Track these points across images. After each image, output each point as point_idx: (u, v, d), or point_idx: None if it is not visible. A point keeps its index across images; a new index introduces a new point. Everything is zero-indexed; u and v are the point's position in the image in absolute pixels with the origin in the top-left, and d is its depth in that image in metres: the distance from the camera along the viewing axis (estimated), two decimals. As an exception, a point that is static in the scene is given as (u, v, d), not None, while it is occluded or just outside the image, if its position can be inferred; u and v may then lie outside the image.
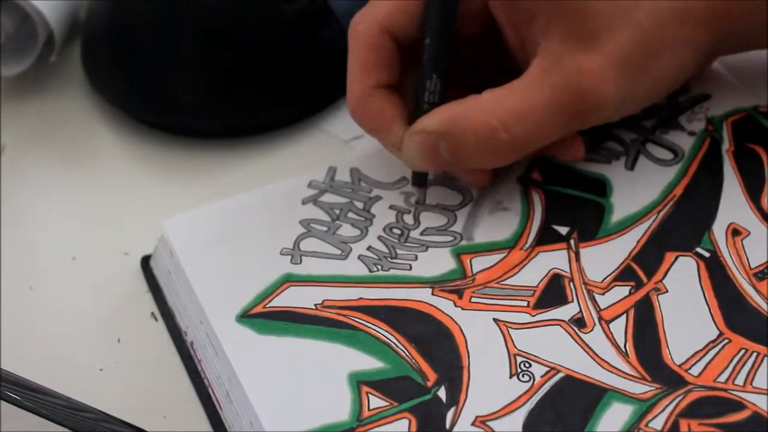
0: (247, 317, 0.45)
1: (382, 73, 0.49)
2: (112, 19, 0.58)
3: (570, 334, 0.44)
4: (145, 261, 0.51)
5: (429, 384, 0.43)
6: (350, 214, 0.49)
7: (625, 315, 0.44)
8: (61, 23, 0.59)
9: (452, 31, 0.48)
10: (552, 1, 0.46)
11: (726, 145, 0.50)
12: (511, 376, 0.43)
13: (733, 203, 0.48)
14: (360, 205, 0.50)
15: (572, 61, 0.45)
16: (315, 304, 0.45)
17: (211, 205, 0.50)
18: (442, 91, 0.48)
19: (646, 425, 0.41)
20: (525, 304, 0.45)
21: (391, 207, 0.50)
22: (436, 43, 0.48)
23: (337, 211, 0.49)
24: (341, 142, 0.56)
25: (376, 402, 0.42)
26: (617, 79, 0.46)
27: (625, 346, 0.43)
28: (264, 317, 0.45)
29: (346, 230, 0.49)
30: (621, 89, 0.46)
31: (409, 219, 0.49)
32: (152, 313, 0.50)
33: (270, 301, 0.46)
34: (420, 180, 0.49)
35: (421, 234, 0.48)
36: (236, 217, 0.49)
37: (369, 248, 0.48)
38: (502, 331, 0.44)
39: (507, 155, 0.47)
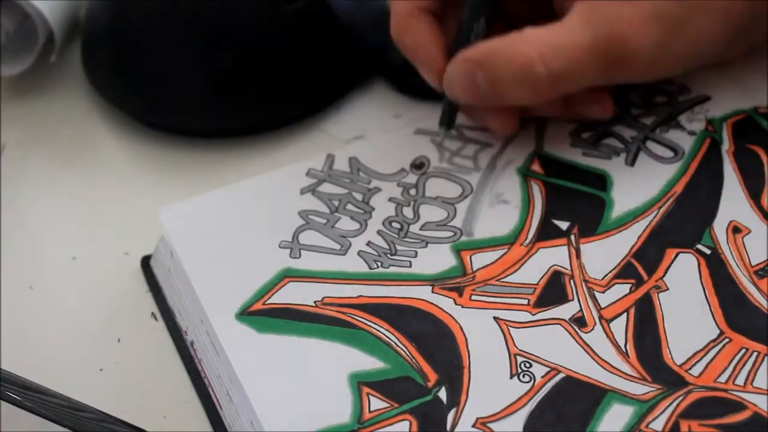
0: (246, 315, 0.45)
1: None
2: (112, 19, 0.58)
3: (570, 334, 0.44)
4: (145, 261, 0.51)
5: (429, 384, 0.42)
6: (349, 206, 0.49)
7: (625, 314, 0.44)
8: (61, 23, 0.59)
9: None
10: None
11: (726, 146, 0.50)
12: (511, 377, 0.42)
13: (734, 201, 0.48)
14: (359, 196, 0.50)
15: (610, 8, 0.46)
16: (315, 301, 0.45)
17: (208, 193, 0.50)
18: (486, 34, 0.49)
19: (647, 426, 0.41)
20: (525, 302, 0.45)
21: (390, 199, 0.49)
22: None
23: (336, 203, 0.49)
24: (341, 142, 0.56)
25: (377, 403, 0.42)
26: (653, 31, 0.47)
27: (625, 346, 0.43)
28: (264, 315, 0.45)
29: (345, 223, 0.49)
30: (656, 43, 0.47)
31: (408, 212, 0.49)
32: (152, 313, 0.50)
33: (269, 298, 0.46)
34: (449, 121, 0.50)
35: (421, 229, 0.48)
36: (235, 206, 0.49)
37: (368, 243, 0.48)
38: (502, 330, 0.44)
39: (542, 90, 0.47)
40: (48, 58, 0.60)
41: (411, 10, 0.50)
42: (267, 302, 0.45)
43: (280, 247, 0.47)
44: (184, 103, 0.57)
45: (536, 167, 0.50)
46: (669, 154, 0.50)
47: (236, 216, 0.49)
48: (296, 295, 0.46)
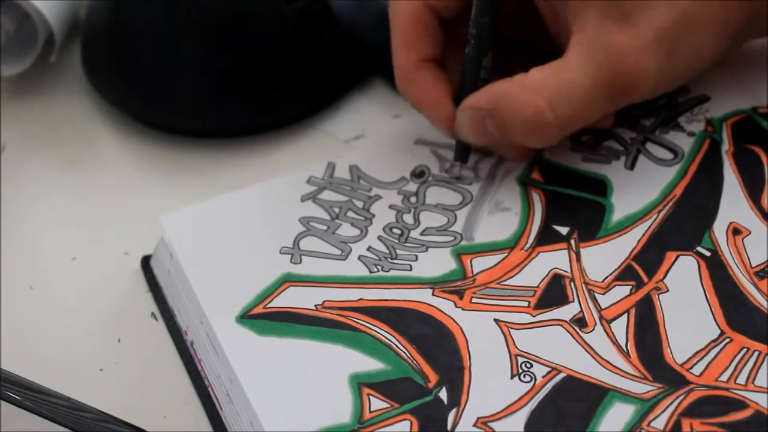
0: (247, 318, 0.45)
1: (427, 47, 0.50)
2: (112, 19, 0.58)
3: (571, 334, 0.44)
4: (145, 261, 0.51)
5: (430, 385, 0.42)
6: (350, 213, 0.49)
7: (626, 314, 0.44)
8: (61, 23, 0.59)
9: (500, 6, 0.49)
10: None
11: (725, 147, 0.50)
12: (512, 377, 0.43)
13: (734, 203, 0.48)
14: (359, 204, 0.50)
15: (611, 40, 0.46)
16: (315, 305, 0.45)
17: (210, 200, 0.50)
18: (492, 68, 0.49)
19: (648, 425, 0.41)
20: (526, 304, 0.45)
21: (390, 207, 0.50)
22: (492, 19, 0.48)
23: (337, 210, 0.49)
24: (341, 142, 0.56)
25: (377, 404, 0.42)
26: (656, 55, 0.46)
27: (626, 345, 0.43)
28: (264, 318, 0.45)
29: (346, 230, 0.49)
30: (659, 66, 0.47)
31: (409, 219, 0.49)
32: (152, 313, 0.50)
33: (270, 302, 0.46)
34: (462, 156, 0.50)
35: (421, 234, 0.48)
36: (236, 214, 0.49)
37: (369, 248, 0.48)
38: (503, 332, 0.44)
39: (552, 135, 0.47)
40: (48, 58, 0.60)
41: (414, 63, 0.50)
42: (267, 306, 0.45)
43: (280, 252, 0.47)
44: (184, 103, 0.57)
45: (536, 175, 0.50)
46: (668, 155, 0.50)
47: (237, 223, 0.49)
48: (296, 299, 0.46)
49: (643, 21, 0.46)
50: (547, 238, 0.48)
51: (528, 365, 0.43)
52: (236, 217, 0.49)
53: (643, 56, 0.46)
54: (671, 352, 0.43)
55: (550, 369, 0.43)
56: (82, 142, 0.58)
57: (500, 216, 0.49)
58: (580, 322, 0.44)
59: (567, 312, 0.45)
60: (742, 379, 0.42)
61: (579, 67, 0.46)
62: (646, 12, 0.46)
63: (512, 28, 0.52)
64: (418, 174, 0.51)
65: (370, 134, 0.56)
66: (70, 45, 0.62)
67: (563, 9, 0.48)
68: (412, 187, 0.50)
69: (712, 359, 0.43)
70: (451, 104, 0.49)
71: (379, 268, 0.47)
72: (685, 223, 0.48)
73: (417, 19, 0.50)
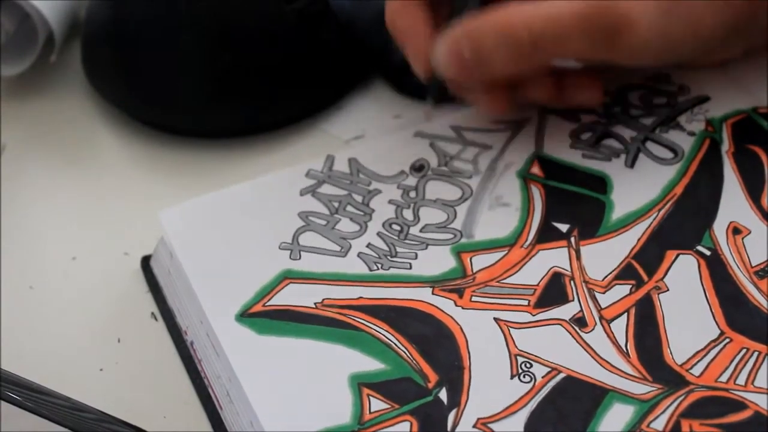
0: (246, 316, 0.45)
1: None
2: (112, 19, 0.58)
3: (571, 334, 0.44)
4: (145, 261, 0.51)
5: (430, 385, 0.42)
6: (349, 208, 0.49)
7: (626, 314, 0.44)
8: (61, 23, 0.59)
9: None
10: None
11: (726, 146, 0.50)
12: (512, 377, 0.42)
13: (734, 202, 0.48)
14: (359, 198, 0.50)
15: None
16: (315, 303, 0.45)
17: (209, 194, 0.50)
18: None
19: (648, 426, 0.41)
20: (525, 303, 0.45)
21: (390, 201, 0.49)
22: None
23: (336, 204, 0.49)
24: (341, 142, 0.56)
25: (378, 404, 0.42)
26: (650, 6, 0.46)
27: (626, 345, 0.43)
28: (264, 316, 0.45)
29: (345, 225, 0.48)
30: (652, 20, 0.46)
31: (408, 214, 0.49)
32: (152, 313, 0.50)
33: (270, 299, 0.46)
34: (436, 97, 0.51)
35: (421, 231, 0.48)
36: (235, 208, 0.49)
37: (368, 245, 0.48)
38: (502, 331, 0.44)
39: (526, 54, 0.47)
40: (48, 58, 0.60)
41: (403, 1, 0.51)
42: (267, 304, 0.45)
43: (280, 248, 0.47)
44: (184, 103, 0.57)
45: (536, 170, 0.50)
46: (669, 154, 0.50)
47: (236, 217, 0.49)
48: (296, 296, 0.46)
49: None
50: (547, 235, 0.48)
51: (528, 365, 0.43)
52: (236, 212, 0.49)
53: (637, 6, 0.46)
54: (671, 353, 0.43)
55: (549, 369, 0.43)
56: (82, 142, 0.58)
57: (500, 211, 0.49)
58: (579, 321, 0.44)
59: (567, 311, 0.45)
60: (741, 380, 0.42)
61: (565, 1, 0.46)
62: None
63: None
64: (418, 168, 0.51)
65: (370, 134, 0.56)
66: (70, 45, 0.62)
67: None
68: (412, 181, 0.50)
69: (712, 359, 0.43)
70: (430, 42, 0.49)
71: (379, 266, 0.47)
72: (686, 221, 0.47)
73: None
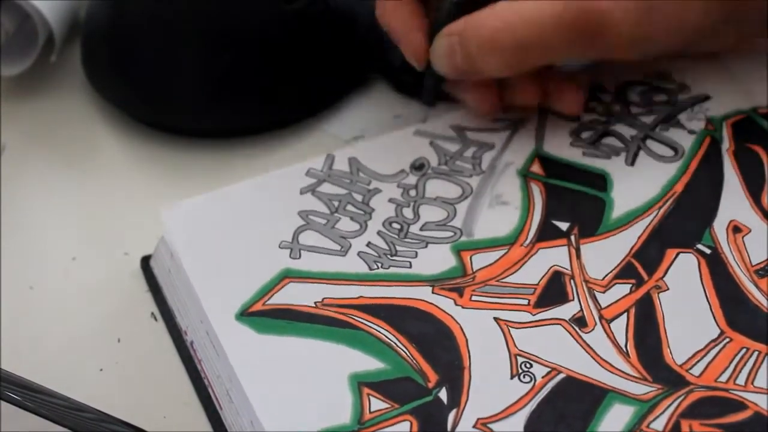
0: (246, 315, 0.45)
1: None
2: (112, 19, 0.58)
3: (571, 334, 0.44)
4: (145, 261, 0.51)
5: (430, 385, 0.42)
6: (349, 207, 0.49)
7: (625, 314, 0.44)
8: (61, 23, 0.59)
9: None
10: None
11: (726, 145, 0.50)
12: (512, 377, 0.42)
13: (734, 201, 0.48)
14: (359, 197, 0.50)
15: None
16: (315, 302, 0.45)
17: (209, 193, 0.50)
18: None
19: (648, 426, 0.41)
20: (526, 302, 0.45)
21: (390, 200, 0.49)
22: None
23: (336, 204, 0.49)
24: (342, 142, 0.56)
25: (377, 404, 0.42)
26: (630, 6, 0.47)
27: (626, 346, 0.43)
28: (264, 315, 0.45)
29: (345, 224, 0.48)
30: (633, 17, 0.47)
31: (408, 213, 0.49)
32: (152, 313, 0.50)
33: (270, 298, 0.46)
34: (431, 98, 0.52)
35: (421, 229, 0.48)
36: (235, 206, 0.49)
37: (368, 244, 0.48)
38: (502, 331, 0.44)
39: (511, 60, 0.48)
40: (48, 58, 0.60)
41: None
42: (267, 303, 0.45)
43: (280, 247, 0.47)
44: (185, 103, 0.57)
45: (536, 168, 0.50)
46: (669, 153, 0.50)
47: (236, 216, 0.49)
48: (296, 295, 0.46)
49: None
50: (547, 233, 0.47)
51: (528, 365, 0.43)
52: (236, 210, 0.49)
53: (617, 3, 0.46)
54: (671, 353, 0.43)
55: (549, 369, 0.43)
56: (82, 142, 0.58)
57: (500, 210, 0.49)
58: (579, 321, 0.44)
59: (567, 311, 0.45)
60: (741, 380, 0.42)
61: (547, 1, 0.47)
62: None
63: None
64: (418, 166, 0.51)
65: (370, 134, 0.56)
66: (70, 45, 0.62)
67: None
68: (412, 179, 0.50)
69: (712, 359, 0.43)
70: (425, 38, 0.50)
71: (379, 265, 0.47)
72: (686, 220, 0.47)
73: None
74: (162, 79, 0.57)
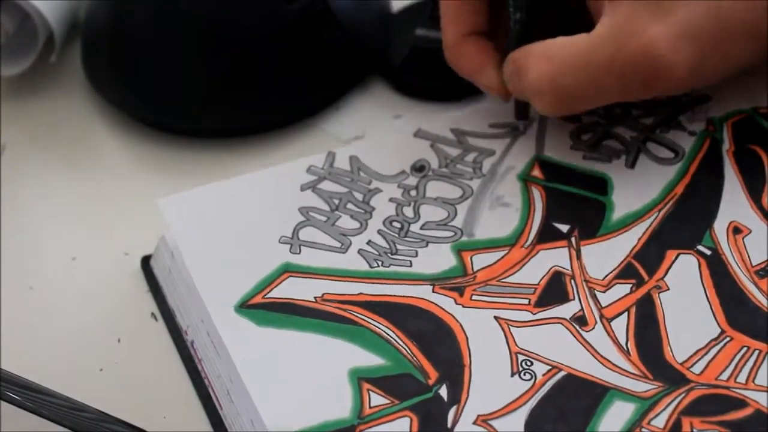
0: (246, 308, 0.45)
1: (473, 20, 0.51)
2: (112, 19, 0.58)
3: (571, 333, 0.44)
4: (145, 261, 0.51)
5: (430, 382, 0.42)
6: (349, 205, 0.49)
7: (626, 313, 0.44)
8: (61, 23, 0.59)
9: None
10: None
11: (726, 146, 0.50)
12: (512, 375, 0.42)
13: (734, 202, 0.48)
14: (359, 196, 0.50)
15: (641, 26, 0.45)
16: (315, 297, 0.45)
17: (209, 185, 0.50)
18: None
19: (648, 423, 0.41)
20: (526, 302, 0.45)
21: (390, 200, 0.49)
22: None
23: (336, 201, 0.49)
24: (341, 142, 0.56)
25: (377, 399, 0.42)
26: (686, 50, 0.45)
27: (626, 344, 0.43)
28: (263, 308, 0.45)
29: (346, 222, 0.48)
30: (689, 62, 0.45)
31: (408, 212, 0.49)
32: (152, 313, 0.50)
33: (269, 292, 0.45)
34: (520, 112, 0.52)
35: (421, 228, 0.48)
36: (236, 199, 0.49)
37: (369, 242, 0.48)
38: (503, 329, 0.44)
39: (552, 104, 0.47)
40: (48, 58, 0.60)
41: (459, 37, 0.51)
42: (267, 296, 0.45)
43: (280, 242, 0.47)
44: (184, 103, 0.57)
45: (537, 172, 0.50)
46: (669, 154, 0.50)
47: (237, 209, 0.49)
48: (296, 290, 0.46)
49: (678, 13, 0.45)
50: (547, 235, 0.47)
51: (528, 363, 0.43)
52: (236, 203, 0.49)
53: (674, 48, 0.45)
54: (671, 351, 0.43)
55: (550, 367, 0.43)
56: (82, 142, 0.58)
57: (501, 211, 0.49)
58: (580, 320, 0.44)
59: (567, 310, 0.45)
60: (742, 378, 0.42)
61: (598, 45, 0.46)
62: (683, 6, 0.45)
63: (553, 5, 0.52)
64: (419, 168, 0.51)
65: (370, 134, 0.56)
66: (70, 45, 0.62)
67: None
68: (412, 180, 0.50)
69: (713, 358, 0.43)
70: (492, 70, 0.50)
71: (379, 263, 0.47)
72: (686, 221, 0.47)
73: None
74: (162, 79, 0.57)
